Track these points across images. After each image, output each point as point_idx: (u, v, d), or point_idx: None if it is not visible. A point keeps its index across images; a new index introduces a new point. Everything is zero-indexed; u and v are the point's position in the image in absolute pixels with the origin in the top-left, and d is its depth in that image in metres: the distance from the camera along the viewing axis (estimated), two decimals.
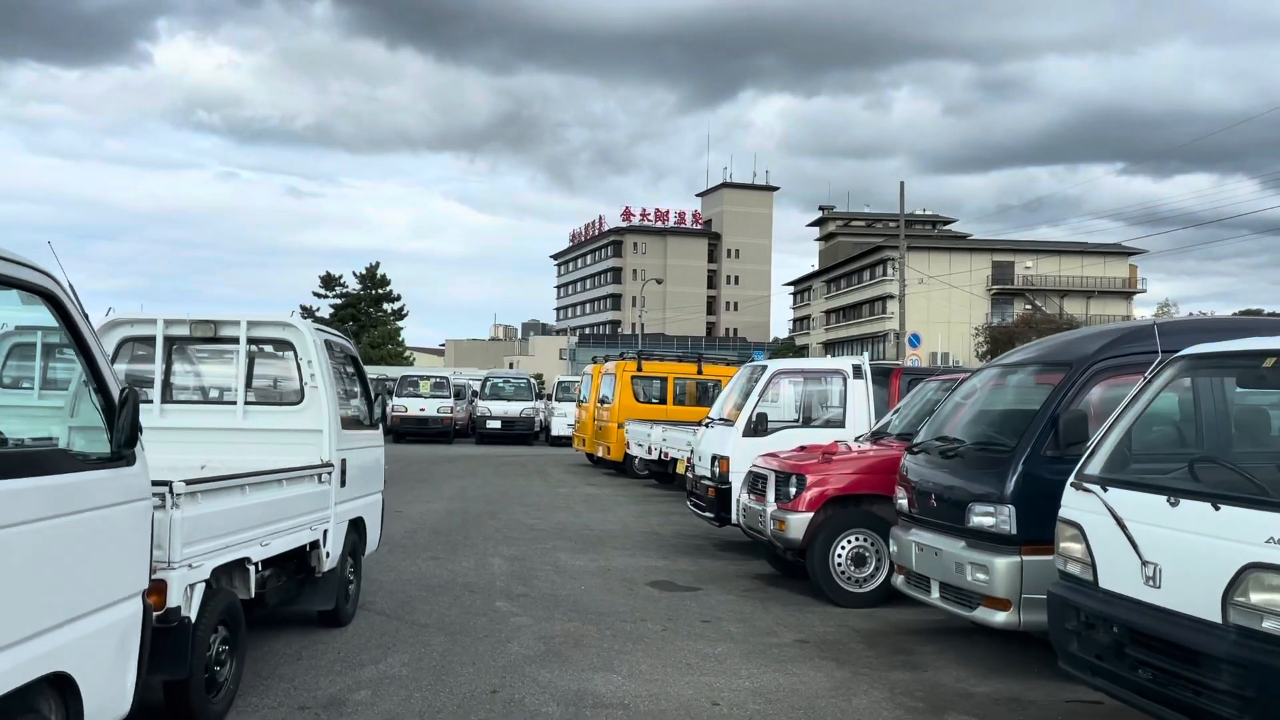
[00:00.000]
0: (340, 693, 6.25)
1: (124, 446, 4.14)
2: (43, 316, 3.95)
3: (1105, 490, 5.32)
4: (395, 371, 42.70)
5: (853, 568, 9.21)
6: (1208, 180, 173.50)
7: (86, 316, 4.11)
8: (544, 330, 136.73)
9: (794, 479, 9.39)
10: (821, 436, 11.37)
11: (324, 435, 7.41)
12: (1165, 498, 4.86)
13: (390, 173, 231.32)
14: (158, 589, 4.83)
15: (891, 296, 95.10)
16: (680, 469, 17.79)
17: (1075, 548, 5.51)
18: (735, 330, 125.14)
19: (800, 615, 8.83)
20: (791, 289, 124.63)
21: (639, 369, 22.48)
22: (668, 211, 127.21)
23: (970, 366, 18.06)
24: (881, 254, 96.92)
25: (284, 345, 7.65)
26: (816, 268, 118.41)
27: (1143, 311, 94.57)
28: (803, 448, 10.32)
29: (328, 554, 7.26)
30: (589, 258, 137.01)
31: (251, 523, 5.95)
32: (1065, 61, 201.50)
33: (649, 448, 19.46)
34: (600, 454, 23.05)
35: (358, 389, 8.82)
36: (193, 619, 5.11)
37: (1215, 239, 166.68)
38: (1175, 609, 4.67)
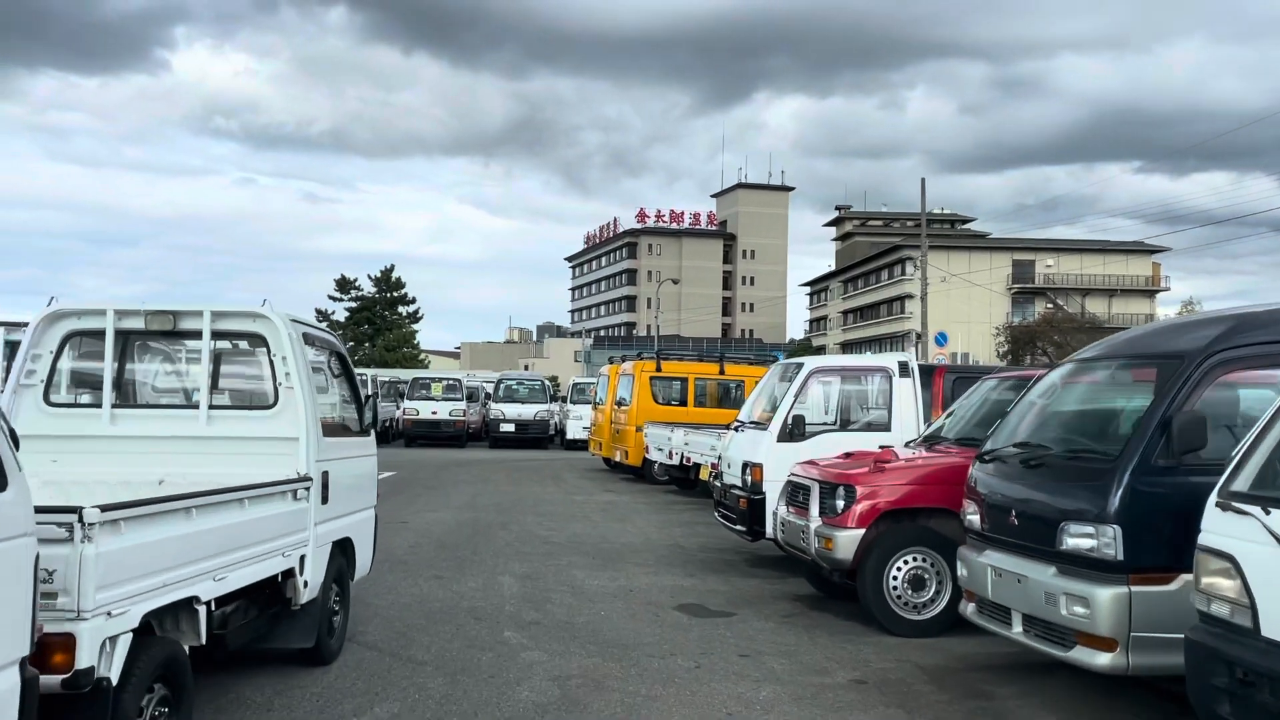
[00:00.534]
0: None
1: None
2: None
3: (1268, 513, 4.21)
4: (408, 374, 41.68)
5: (910, 592, 8.09)
6: (1225, 178, 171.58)
7: None
8: (559, 332, 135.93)
9: (842, 490, 8.28)
10: (864, 441, 10.26)
11: (301, 444, 6.33)
12: None
13: (405, 177, 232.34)
14: (63, 646, 3.78)
15: (911, 296, 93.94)
16: (703, 475, 16.71)
17: (1225, 584, 4.40)
18: (751, 332, 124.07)
19: (852, 647, 7.72)
20: (808, 290, 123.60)
21: (658, 369, 21.40)
22: (682, 213, 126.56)
23: (990, 366, 17.08)
24: (900, 253, 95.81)
25: (255, 339, 6.57)
26: (833, 268, 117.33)
27: (1166, 310, 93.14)
28: (848, 454, 9.20)
29: (305, 583, 6.19)
30: (603, 260, 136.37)
31: (202, 553, 4.88)
32: (1081, 60, 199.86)
33: (669, 452, 18.37)
34: (618, 459, 21.97)
35: (345, 391, 7.73)
36: (114, 680, 4.04)
37: (1233, 237, 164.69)
38: None
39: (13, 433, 3.36)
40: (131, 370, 6.91)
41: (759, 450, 10.62)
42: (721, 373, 21.64)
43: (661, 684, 6.59)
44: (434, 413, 32.69)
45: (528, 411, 33.14)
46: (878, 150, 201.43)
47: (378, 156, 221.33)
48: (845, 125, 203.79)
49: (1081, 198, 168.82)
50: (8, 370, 6.97)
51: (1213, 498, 4.60)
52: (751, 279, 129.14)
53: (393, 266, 72.42)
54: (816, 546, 8.36)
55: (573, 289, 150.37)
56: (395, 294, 72.53)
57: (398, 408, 34.46)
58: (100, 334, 6.45)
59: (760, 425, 11.09)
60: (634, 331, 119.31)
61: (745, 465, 10.78)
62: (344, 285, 72.21)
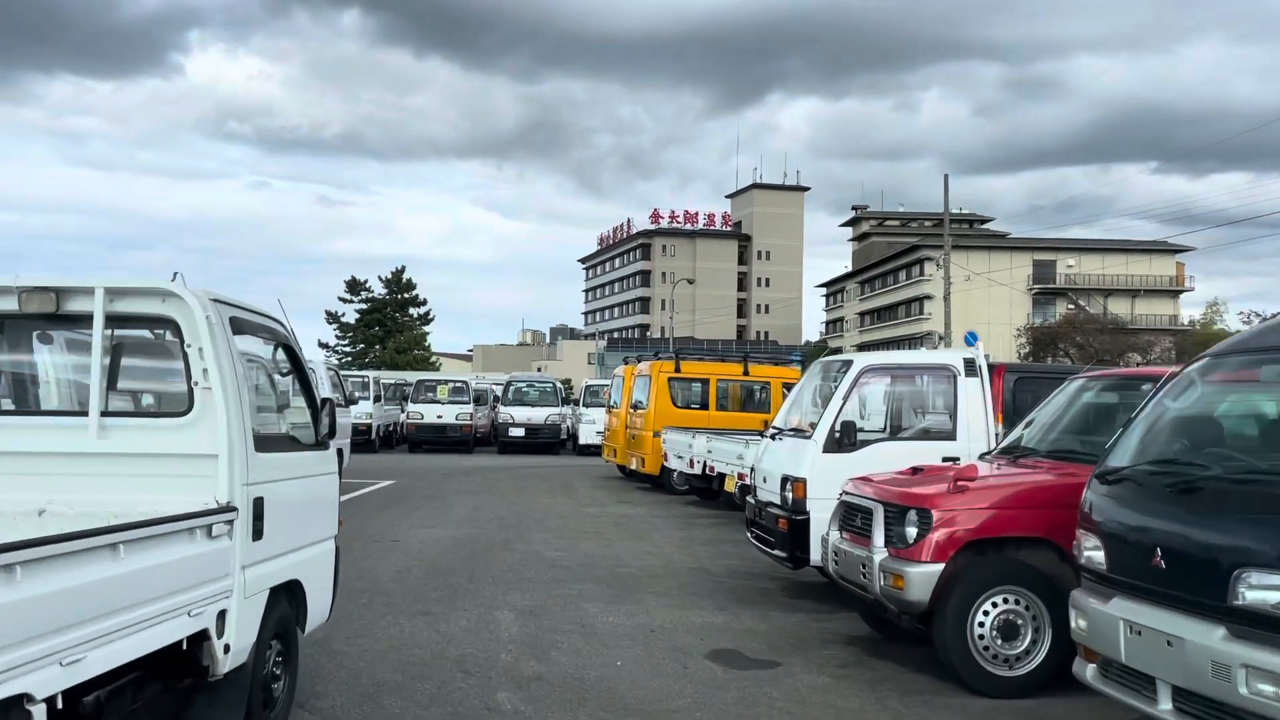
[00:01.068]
0: None
1: None
2: None
3: None
4: (415, 376, 40.20)
5: (1000, 642, 6.52)
6: (1243, 179, 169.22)
7: None
8: (572, 334, 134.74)
9: (914, 515, 6.71)
10: (923, 453, 8.72)
11: (223, 462, 4.77)
12: None
13: (419, 180, 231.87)
14: None
15: (930, 297, 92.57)
16: (729, 487, 15.18)
17: None
18: (766, 334, 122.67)
19: (931, 712, 6.17)
20: (824, 291, 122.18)
21: (677, 370, 19.85)
22: (696, 213, 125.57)
23: (1060, 366, 15.61)
24: (919, 253, 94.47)
25: (164, 324, 5.04)
26: (849, 269, 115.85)
27: (1190, 311, 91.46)
28: (916, 469, 7.63)
29: (227, 647, 4.66)
30: (617, 261, 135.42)
31: (41, 627, 3.36)
32: (1097, 60, 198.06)
33: (690, 460, 16.82)
34: (633, 466, 20.43)
35: (294, 393, 6.19)
36: None
37: (1250, 238, 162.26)
38: None
39: None
40: (17, 364, 5.41)
41: (802, 463, 9.07)
42: (745, 374, 20.08)
43: None
44: (439, 416, 31.20)
45: (538, 415, 31.63)
46: (892, 152, 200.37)
47: (391, 159, 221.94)
48: (859, 127, 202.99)
49: (1098, 199, 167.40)
50: None
51: None
52: (767, 280, 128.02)
53: (403, 268, 71.45)
54: (882, 584, 6.79)
55: (586, 291, 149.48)
56: (406, 295, 71.57)
57: (402, 411, 32.96)
58: None
59: (802, 433, 9.54)
60: (648, 333, 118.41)
61: (785, 480, 9.24)
62: (354, 287, 71.26)
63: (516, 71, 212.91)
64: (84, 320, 4.96)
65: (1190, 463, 5.14)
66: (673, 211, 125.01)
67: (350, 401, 18.86)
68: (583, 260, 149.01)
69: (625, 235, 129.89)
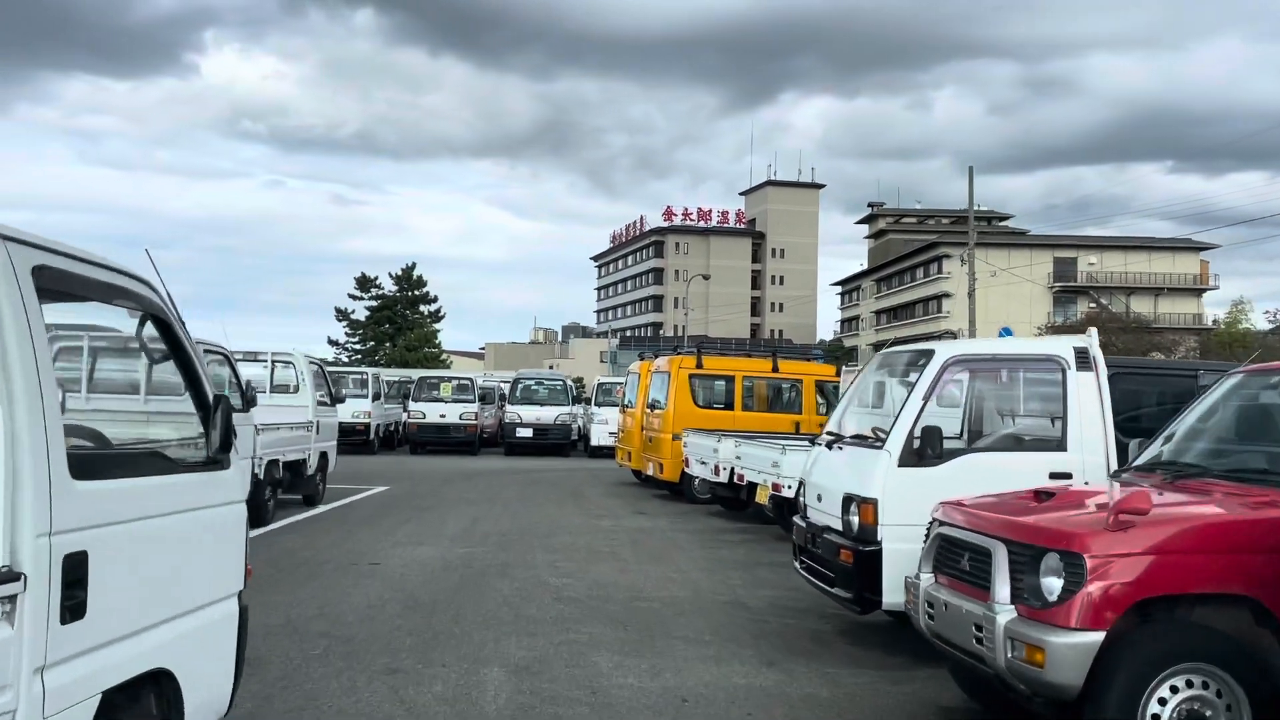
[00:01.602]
0: None
1: None
2: None
3: None
4: (419, 374, 38.36)
5: None
6: (1261, 177, 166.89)
7: None
8: (584, 333, 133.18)
9: (1057, 560, 4.78)
10: (1025, 467, 6.87)
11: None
12: None
13: (432, 180, 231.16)
14: None
15: (949, 295, 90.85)
16: (760, 498, 13.29)
17: None
18: (780, 332, 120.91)
19: None
20: (839, 289, 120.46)
21: (698, 365, 17.95)
22: (710, 211, 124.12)
23: (1173, 361, 14.07)
24: (937, 250, 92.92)
25: None
26: (865, 267, 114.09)
27: (1215, 311, 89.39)
28: (1043, 493, 5.72)
29: None
30: (630, 259, 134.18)
31: None
32: (1112, 59, 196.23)
33: (715, 466, 14.92)
34: (650, 472, 18.56)
35: (174, 385, 4.29)
36: None
37: (1268, 236, 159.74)
38: None
39: None
40: None
41: (871, 479, 7.17)
42: (775, 370, 18.16)
43: None
44: (442, 416, 29.34)
45: (547, 415, 29.77)
46: (905, 151, 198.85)
47: (405, 159, 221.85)
48: (872, 126, 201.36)
49: (1113, 198, 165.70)
50: None
51: None
52: (781, 278, 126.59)
53: (414, 265, 69.94)
54: (1009, 656, 4.88)
55: (598, 289, 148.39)
56: (416, 292, 70.12)
57: (404, 411, 31.12)
58: None
59: (868, 441, 7.64)
60: (660, 331, 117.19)
61: (849, 501, 7.34)
62: (364, 284, 69.85)
63: (530, 70, 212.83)
64: None
65: None
66: (686, 209, 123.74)
67: (337, 399, 16.97)
68: (595, 258, 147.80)
69: (638, 233, 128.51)
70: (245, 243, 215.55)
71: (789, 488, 12.21)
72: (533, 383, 31.69)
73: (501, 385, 35.92)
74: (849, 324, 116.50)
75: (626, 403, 21.50)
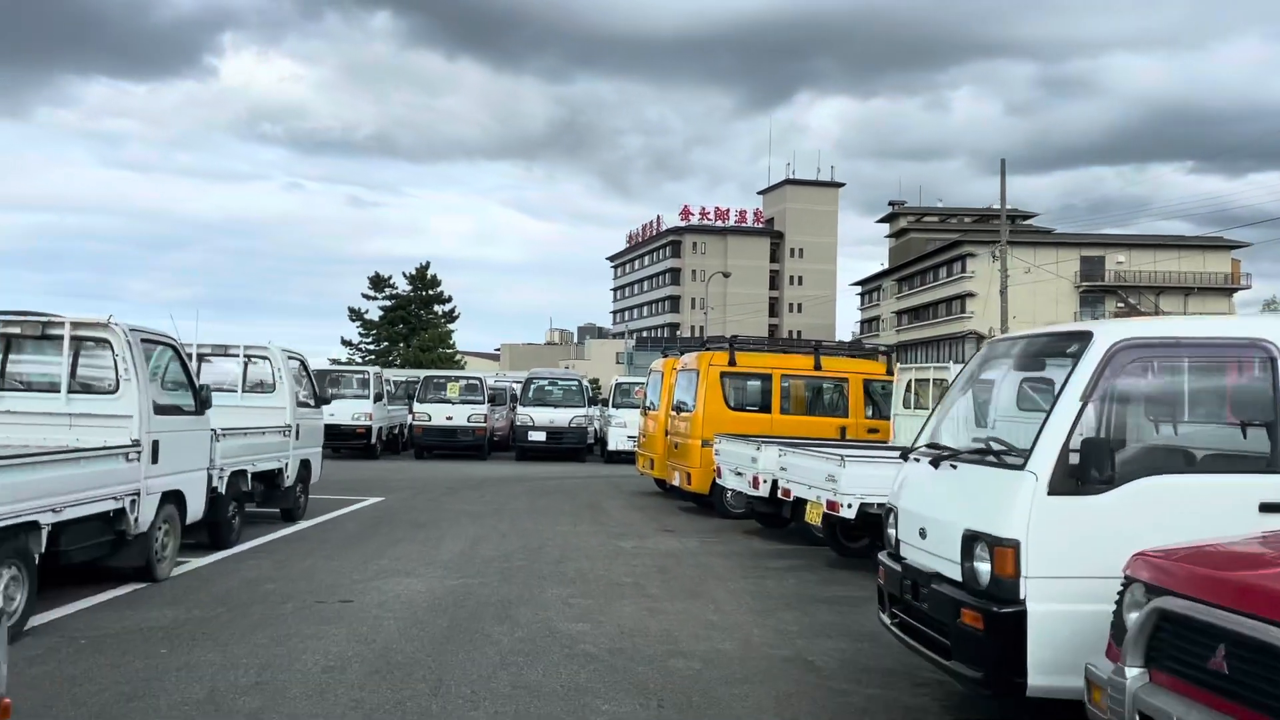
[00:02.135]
0: None
1: None
2: None
3: None
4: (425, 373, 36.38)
5: None
6: None
7: None
8: (600, 333, 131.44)
9: None
10: (1223, 493, 4.84)
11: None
12: None
13: (449, 181, 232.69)
14: None
15: (972, 294, 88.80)
16: (810, 517, 11.27)
17: None
18: (799, 333, 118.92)
19: None
20: (859, 289, 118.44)
21: (731, 362, 15.88)
22: (728, 210, 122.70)
23: None
24: (961, 249, 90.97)
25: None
26: (885, 266, 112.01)
27: (1246, 311, 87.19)
28: None
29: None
30: (646, 259, 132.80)
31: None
32: (1132, 58, 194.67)
33: (753, 478, 12.88)
34: (675, 482, 16.51)
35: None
36: None
37: None
38: None
39: None
40: None
41: (1009, 512, 5.10)
42: (817, 368, 16.09)
43: None
44: (449, 418, 27.35)
45: (561, 417, 27.74)
46: (922, 152, 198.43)
47: (422, 161, 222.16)
48: (889, 126, 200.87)
49: (1133, 199, 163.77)
50: None
51: None
52: (799, 278, 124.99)
53: (428, 264, 68.47)
54: None
55: (614, 289, 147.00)
56: (430, 292, 68.64)
57: (409, 412, 29.15)
58: None
59: (993, 457, 5.58)
60: (677, 332, 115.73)
61: (973, 540, 5.28)
62: (378, 283, 68.47)
63: (546, 72, 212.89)
64: None
65: None
66: (703, 208, 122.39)
67: (323, 399, 14.96)
68: (611, 258, 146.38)
69: (655, 233, 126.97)
70: (263, 244, 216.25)
71: (849, 507, 10.21)
72: (546, 383, 29.65)
73: (513, 386, 33.97)
74: (869, 325, 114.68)
75: (648, 404, 19.47)
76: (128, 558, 8.80)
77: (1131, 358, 5.31)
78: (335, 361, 51.94)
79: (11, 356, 9.19)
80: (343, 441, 26.52)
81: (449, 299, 69.41)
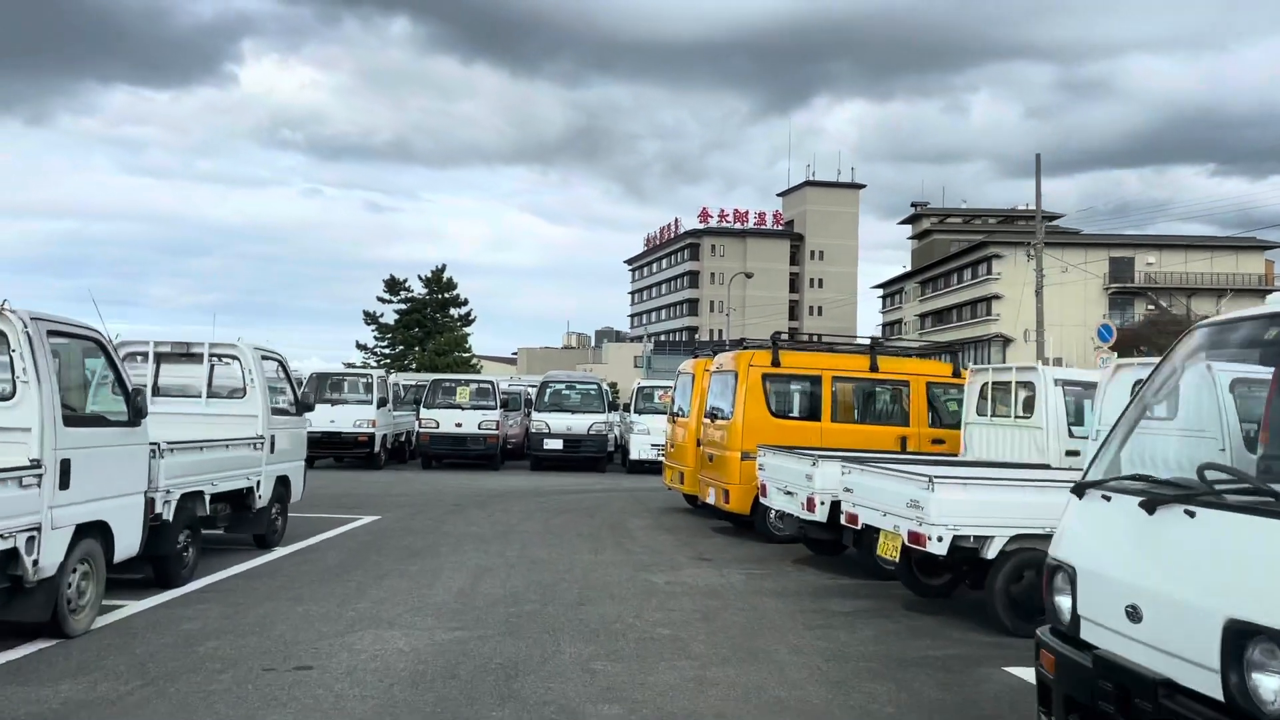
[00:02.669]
0: None
1: None
2: None
3: None
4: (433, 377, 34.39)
5: None
6: None
7: None
8: (618, 337, 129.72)
9: None
10: None
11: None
12: None
13: (466, 186, 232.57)
14: None
15: (998, 296, 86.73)
16: (885, 551, 9.23)
17: None
18: (820, 337, 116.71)
19: None
20: (881, 292, 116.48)
21: (774, 363, 13.83)
22: (747, 212, 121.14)
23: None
24: (986, 250, 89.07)
25: None
26: (907, 269, 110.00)
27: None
28: None
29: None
30: (664, 262, 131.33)
31: None
32: (1153, 60, 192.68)
33: (808, 499, 10.85)
34: (710, 499, 14.46)
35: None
36: None
37: None
38: None
39: None
40: None
41: None
42: (873, 369, 14.03)
43: None
44: (458, 425, 25.30)
45: (580, 424, 25.68)
46: (941, 155, 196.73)
47: (439, 166, 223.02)
48: (907, 129, 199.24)
49: (1154, 201, 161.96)
50: None
51: None
52: (820, 281, 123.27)
53: (444, 266, 67.07)
54: None
55: (632, 293, 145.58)
56: (446, 295, 67.18)
57: (416, 418, 27.15)
58: None
59: (1270, 501, 3.55)
60: (696, 336, 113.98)
61: (1249, 639, 3.26)
62: (393, 286, 67.06)
63: (562, 77, 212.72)
64: None
65: None
66: (722, 210, 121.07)
67: (305, 406, 12.98)
68: (629, 261, 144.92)
69: (673, 235, 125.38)
70: (283, 250, 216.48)
71: (938, 541, 8.18)
72: (563, 387, 27.61)
73: (528, 390, 32.00)
74: (891, 328, 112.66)
75: (676, 411, 17.46)
76: (26, 610, 6.84)
77: None
78: (349, 365, 50.24)
79: None
80: (344, 450, 24.60)
81: (465, 302, 68.27)
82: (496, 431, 25.55)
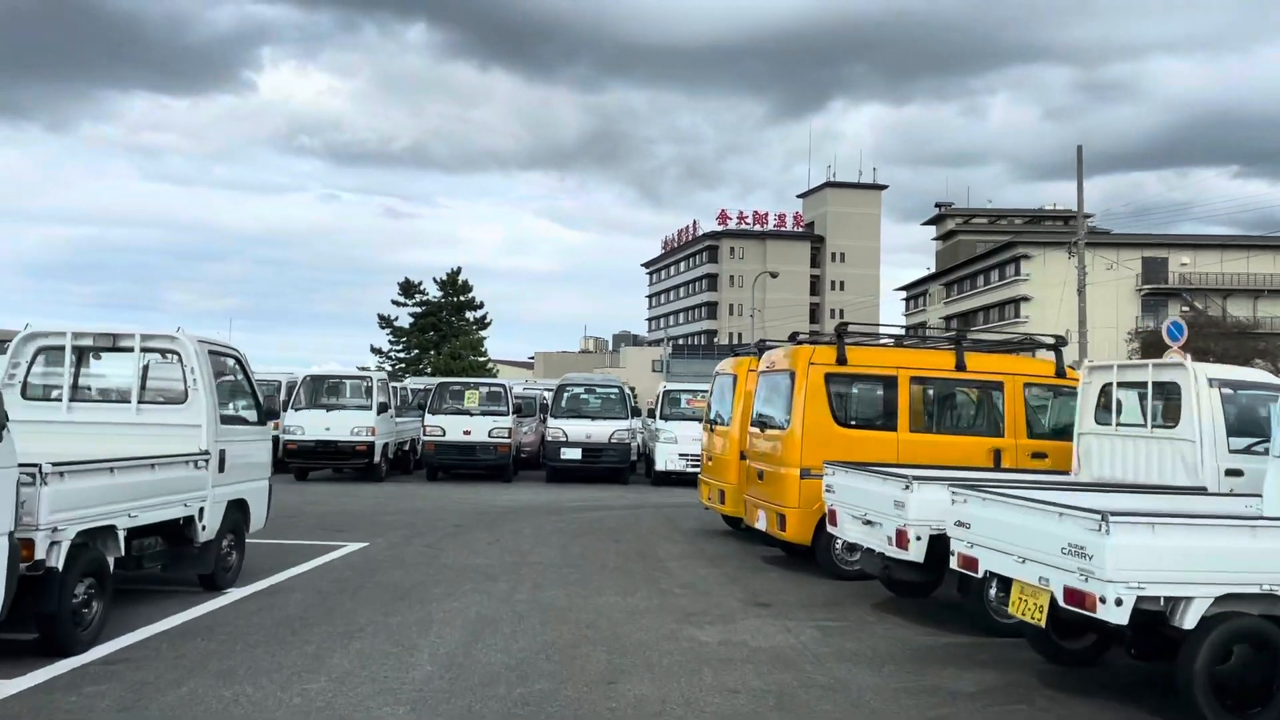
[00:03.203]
0: None
1: None
2: None
3: None
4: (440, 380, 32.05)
5: None
6: None
7: None
8: (635, 341, 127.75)
9: None
10: None
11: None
12: None
13: (483, 192, 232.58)
14: None
15: (1027, 298, 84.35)
16: (1026, 611, 6.81)
17: None
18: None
19: None
20: (904, 294, 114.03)
21: (839, 359, 11.39)
22: (766, 214, 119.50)
23: None
24: (1014, 251, 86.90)
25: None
26: (931, 270, 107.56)
27: None
28: None
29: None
30: (682, 265, 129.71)
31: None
32: (1172, 62, 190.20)
33: (898, 531, 8.46)
34: (759, 525, 12.01)
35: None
36: None
37: None
38: None
39: None
40: None
41: None
42: (960, 368, 11.58)
43: None
44: (466, 432, 22.87)
45: (600, 431, 23.19)
46: (958, 158, 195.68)
47: (456, 171, 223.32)
48: (924, 133, 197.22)
49: (1174, 204, 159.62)
50: None
51: None
52: (841, 283, 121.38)
53: (459, 269, 65.74)
54: None
55: (649, 296, 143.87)
56: (462, 298, 65.52)
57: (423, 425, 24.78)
58: None
59: None
60: (715, 339, 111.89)
61: None
62: (408, 289, 65.45)
63: (578, 82, 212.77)
64: None
65: None
66: (741, 212, 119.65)
67: (270, 414, 10.62)
68: (646, 265, 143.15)
69: (691, 238, 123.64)
70: (300, 255, 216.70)
71: (1115, 604, 5.80)
72: (581, 390, 25.14)
73: (544, 394, 29.65)
74: (914, 332, 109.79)
75: (713, 418, 15.06)
76: None
77: None
78: (363, 369, 48.26)
79: None
80: (341, 461, 22.30)
81: (480, 305, 66.79)
82: (508, 440, 23.13)
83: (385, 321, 65.57)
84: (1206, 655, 5.93)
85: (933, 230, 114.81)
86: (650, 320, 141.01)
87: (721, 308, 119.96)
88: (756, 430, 12.43)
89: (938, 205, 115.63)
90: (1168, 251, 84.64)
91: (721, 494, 13.85)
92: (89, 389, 9.40)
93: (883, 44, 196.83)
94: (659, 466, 22.78)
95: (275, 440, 22.19)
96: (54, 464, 6.54)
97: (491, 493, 20.58)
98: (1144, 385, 9.64)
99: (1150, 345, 59.28)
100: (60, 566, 6.65)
